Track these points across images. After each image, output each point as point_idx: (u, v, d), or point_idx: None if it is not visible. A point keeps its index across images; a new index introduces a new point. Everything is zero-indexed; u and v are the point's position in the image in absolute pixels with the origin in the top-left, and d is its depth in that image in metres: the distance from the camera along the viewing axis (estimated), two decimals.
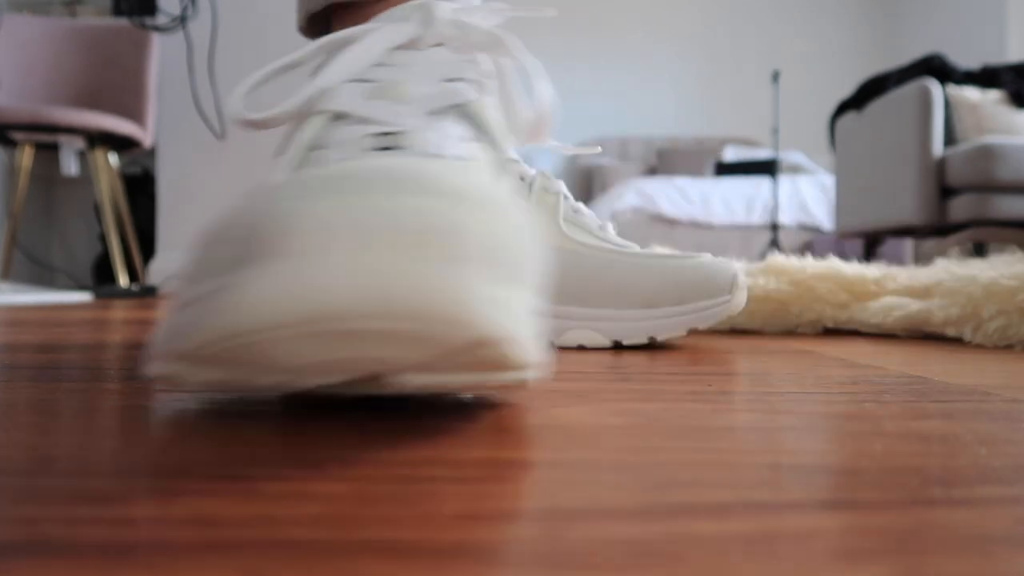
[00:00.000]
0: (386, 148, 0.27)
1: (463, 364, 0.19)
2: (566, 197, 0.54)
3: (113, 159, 2.07)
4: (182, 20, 2.02)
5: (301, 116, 0.30)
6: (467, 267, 0.18)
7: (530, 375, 0.22)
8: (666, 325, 0.50)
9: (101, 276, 2.61)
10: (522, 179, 0.53)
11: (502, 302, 0.19)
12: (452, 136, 0.28)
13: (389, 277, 0.17)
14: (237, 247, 0.19)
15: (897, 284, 0.67)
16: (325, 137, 0.29)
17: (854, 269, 0.71)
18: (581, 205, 0.54)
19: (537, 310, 0.22)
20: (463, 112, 0.30)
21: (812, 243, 3.36)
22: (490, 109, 0.30)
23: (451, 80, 0.30)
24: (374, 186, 0.19)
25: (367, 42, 0.30)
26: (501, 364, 0.20)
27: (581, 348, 0.51)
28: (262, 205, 0.19)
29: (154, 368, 0.21)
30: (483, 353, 0.19)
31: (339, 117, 0.29)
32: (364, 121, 0.28)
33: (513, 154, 0.32)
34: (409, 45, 0.31)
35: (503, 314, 0.19)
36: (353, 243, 0.17)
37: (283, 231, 0.18)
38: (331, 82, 0.29)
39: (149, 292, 1.67)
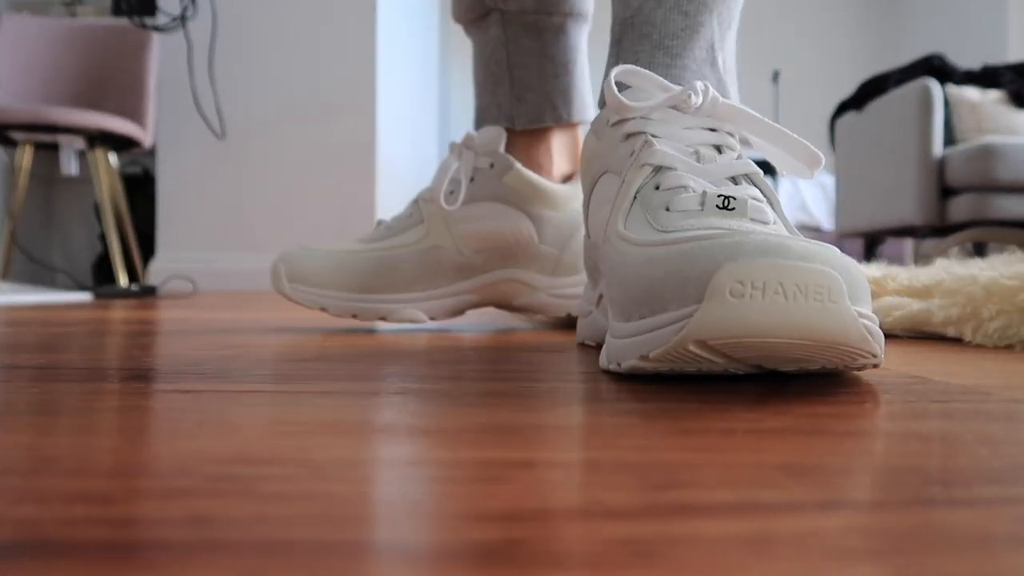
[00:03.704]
0: (725, 208, 0.35)
1: (839, 357, 0.31)
2: None
3: (113, 159, 2.07)
4: (182, 20, 2.02)
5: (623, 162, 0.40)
6: (843, 304, 0.28)
7: (877, 361, 0.32)
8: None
9: (101, 276, 2.61)
10: None
11: (863, 316, 0.29)
12: (757, 199, 0.36)
13: (800, 313, 0.28)
14: (690, 289, 0.29)
15: (897, 284, 0.67)
16: (664, 197, 0.37)
17: None
18: None
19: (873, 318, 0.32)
20: (751, 180, 0.39)
21: None
22: (763, 177, 0.39)
23: (715, 146, 0.40)
24: (789, 255, 0.28)
25: (677, 119, 0.40)
26: (859, 357, 0.31)
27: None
28: (701, 264, 0.29)
29: (625, 365, 0.33)
30: (853, 351, 0.30)
31: (660, 170, 0.38)
32: (684, 186, 0.37)
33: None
34: (692, 122, 0.40)
35: (864, 325, 0.29)
36: (776, 292, 0.27)
37: (730, 281, 0.28)
38: (662, 147, 0.39)
39: (149, 292, 1.66)
